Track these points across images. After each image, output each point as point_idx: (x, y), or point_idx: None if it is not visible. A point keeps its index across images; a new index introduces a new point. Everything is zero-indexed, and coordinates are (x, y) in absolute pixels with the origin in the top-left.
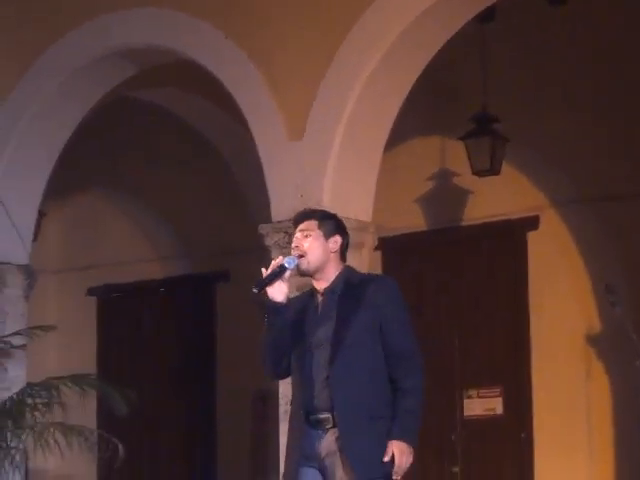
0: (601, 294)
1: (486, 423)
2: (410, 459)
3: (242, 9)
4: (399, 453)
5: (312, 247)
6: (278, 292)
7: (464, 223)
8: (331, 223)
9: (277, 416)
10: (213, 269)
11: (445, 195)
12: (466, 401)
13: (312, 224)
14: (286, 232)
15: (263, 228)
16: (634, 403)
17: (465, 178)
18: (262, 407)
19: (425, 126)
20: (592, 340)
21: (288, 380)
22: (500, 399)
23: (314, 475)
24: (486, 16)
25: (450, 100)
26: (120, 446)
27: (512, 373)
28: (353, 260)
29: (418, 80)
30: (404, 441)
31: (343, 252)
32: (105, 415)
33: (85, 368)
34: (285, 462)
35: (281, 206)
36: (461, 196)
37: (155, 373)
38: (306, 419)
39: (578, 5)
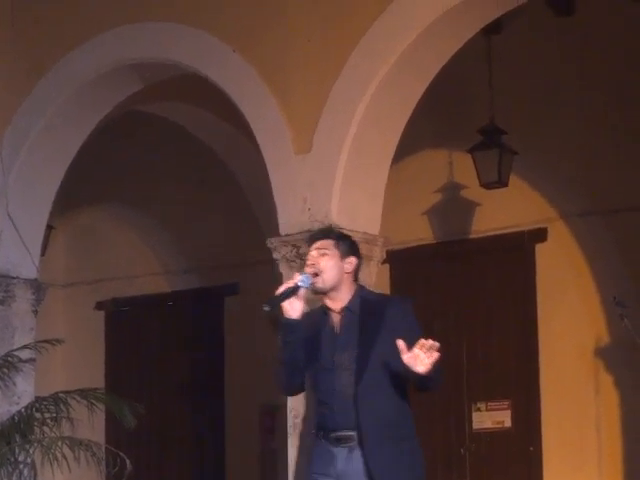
0: (610, 306)
1: (495, 436)
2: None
3: (249, 23)
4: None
5: (328, 266)
6: (293, 309)
7: (472, 236)
8: (347, 244)
9: (285, 429)
10: (221, 282)
11: (453, 208)
12: (475, 414)
13: (329, 243)
14: (294, 245)
15: (271, 242)
16: None
17: (473, 190)
18: (270, 420)
19: (433, 139)
20: (601, 353)
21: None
22: (509, 412)
23: None
24: (493, 28)
25: (458, 112)
26: (128, 461)
27: (521, 386)
28: (361, 273)
29: (425, 93)
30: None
31: (356, 273)
32: (114, 429)
33: (93, 382)
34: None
35: (289, 220)
36: (469, 208)
37: (164, 387)
38: (324, 436)
39: (585, 16)
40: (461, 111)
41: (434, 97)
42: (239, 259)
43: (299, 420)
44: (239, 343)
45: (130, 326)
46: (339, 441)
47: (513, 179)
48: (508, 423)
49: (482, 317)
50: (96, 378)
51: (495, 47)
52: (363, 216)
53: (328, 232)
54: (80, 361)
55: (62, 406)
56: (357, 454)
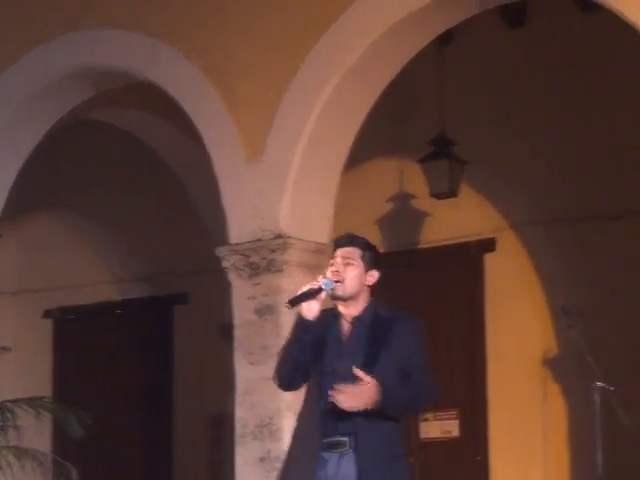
0: (558, 316)
1: (442, 445)
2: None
3: (200, 30)
4: (365, 390)
5: (351, 276)
6: (310, 311)
7: (422, 245)
8: (372, 256)
9: (233, 439)
10: (171, 291)
11: (403, 217)
12: (423, 423)
13: (355, 253)
14: (243, 254)
15: (220, 251)
16: (590, 426)
17: (423, 200)
18: (218, 430)
19: (383, 148)
20: (549, 362)
21: (247, 403)
22: (456, 421)
23: None
24: (445, 38)
25: (408, 122)
26: (74, 470)
27: (468, 395)
28: (311, 281)
29: (377, 102)
30: (380, 392)
31: (375, 286)
32: (61, 438)
33: (41, 391)
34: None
35: (238, 228)
36: (419, 218)
37: (112, 396)
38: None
39: (536, 28)
40: (412, 121)
41: (385, 106)
42: (189, 268)
43: (247, 429)
44: (188, 352)
45: (78, 334)
46: (331, 447)
47: (463, 189)
48: (456, 432)
49: (431, 327)
50: (44, 387)
51: (447, 57)
52: (313, 225)
53: (355, 240)
54: (28, 369)
55: (9, 415)
56: (347, 459)
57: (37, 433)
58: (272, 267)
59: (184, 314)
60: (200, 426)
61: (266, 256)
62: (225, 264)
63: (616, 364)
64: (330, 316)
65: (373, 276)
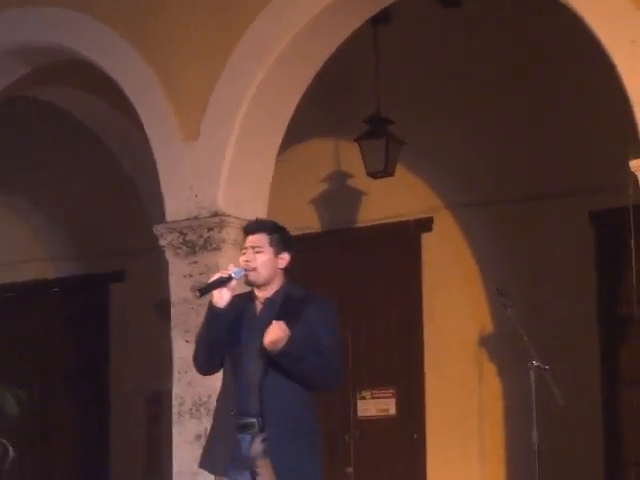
0: (493, 296)
1: (379, 424)
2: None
3: (138, 9)
4: (278, 328)
5: (262, 263)
6: (221, 298)
7: (358, 224)
8: (281, 239)
9: (170, 417)
10: (107, 269)
11: (339, 196)
12: (360, 402)
13: (264, 239)
14: (180, 232)
15: (157, 229)
16: (525, 404)
17: (360, 180)
18: (155, 408)
19: (320, 127)
20: (484, 342)
21: (184, 381)
22: (393, 400)
23: (245, 478)
24: (381, 18)
25: (344, 102)
26: (10, 448)
27: (405, 374)
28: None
29: (312, 82)
30: (290, 335)
31: (287, 267)
32: None
33: None
34: (207, 462)
35: (175, 207)
36: (355, 197)
37: (47, 375)
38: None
39: (472, 8)
40: (349, 100)
41: (322, 86)
42: (125, 246)
43: (184, 407)
44: (125, 330)
45: (14, 313)
46: (243, 428)
47: (400, 169)
48: (393, 411)
49: (367, 306)
50: None
51: (383, 37)
52: (249, 204)
53: (262, 226)
54: None
55: None
56: (258, 439)
57: None
58: (209, 245)
59: (121, 292)
60: (138, 404)
61: (203, 234)
62: (162, 242)
63: (551, 343)
64: (246, 299)
65: (284, 259)
